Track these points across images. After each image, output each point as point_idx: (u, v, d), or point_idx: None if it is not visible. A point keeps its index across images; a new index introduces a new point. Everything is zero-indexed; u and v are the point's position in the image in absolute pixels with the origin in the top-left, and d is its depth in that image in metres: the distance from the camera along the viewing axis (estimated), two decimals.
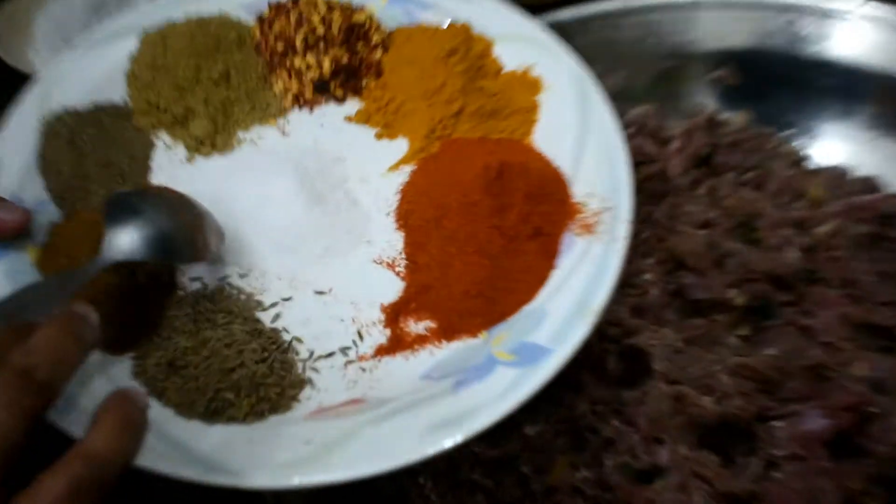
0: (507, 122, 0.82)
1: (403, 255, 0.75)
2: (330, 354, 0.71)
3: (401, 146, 0.82)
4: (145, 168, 0.82)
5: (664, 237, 0.86)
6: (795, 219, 0.88)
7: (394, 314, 0.72)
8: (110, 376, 0.66)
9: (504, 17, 0.88)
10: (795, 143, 0.99)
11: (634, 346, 0.77)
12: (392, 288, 0.74)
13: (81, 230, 0.74)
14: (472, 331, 0.69)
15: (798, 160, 0.98)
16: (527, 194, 0.73)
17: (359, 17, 0.87)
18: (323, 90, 0.86)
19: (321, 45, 0.85)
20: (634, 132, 0.97)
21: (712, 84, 1.03)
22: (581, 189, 0.75)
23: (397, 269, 0.75)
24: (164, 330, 0.70)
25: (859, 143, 0.99)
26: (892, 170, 0.95)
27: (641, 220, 0.85)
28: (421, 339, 0.71)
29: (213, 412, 0.66)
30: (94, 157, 0.80)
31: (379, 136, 0.84)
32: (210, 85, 0.84)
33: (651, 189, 0.92)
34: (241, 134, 0.84)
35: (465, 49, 0.85)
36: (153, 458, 0.60)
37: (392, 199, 0.79)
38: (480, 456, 0.76)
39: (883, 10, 0.98)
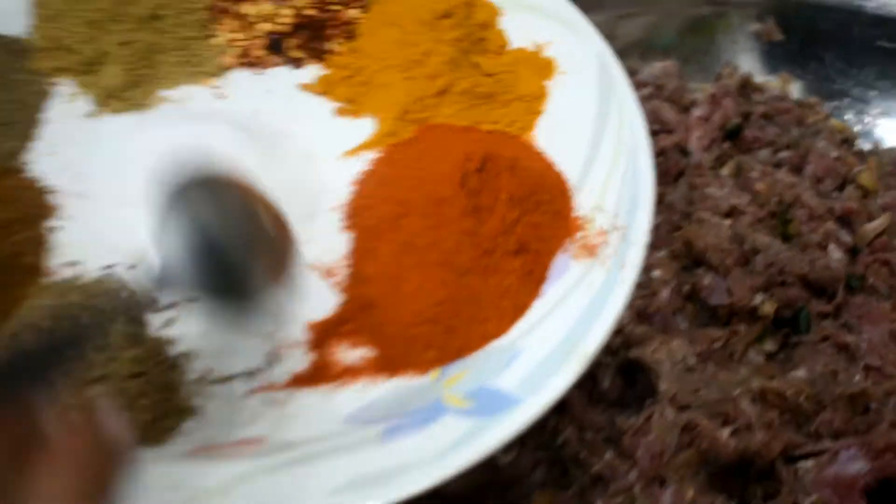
0: (505, 111, 0.76)
1: (347, 262, 0.69)
2: (229, 378, 0.64)
3: (365, 127, 0.77)
4: (33, 120, 0.76)
5: (679, 225, 0.84)
6: (840, 211, 0.87)
7: (322, 335, 0.65)
8: None
9: None
10: (845, 118, 0.97)
11: (636, 361, 0.75)
12: (325, 302, 0.67)
13: None
14: (421, 366, 0.63)
15: (847, 139, 0.96)
16: (514, 197, 0.67)
17: None
18: (276, 50, 0.80)
19: None
20: (650, 94, 0.96)
21: (750, 39, 1.01)
22: (586, 201, 0.70)
23: (335, 278, 0.68)
24: (12, 322, 0.63)
25: None
26: None
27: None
28: (352, 372, 0.64)
29: None
30: None
31: (340, 112, 0.78)
32: (133, 25, 0.78)
33: (666, 165, 0.90)
34: (163, 91, 0.78)
35: (464, 14, 0.79)
36: None
37: (343, 191, 0.73)
38: (439, 489, 0.70)
39: None
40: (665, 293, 0.79)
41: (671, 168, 0.91)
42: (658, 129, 0.93)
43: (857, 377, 0.75)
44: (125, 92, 0.77)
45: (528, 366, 0.60)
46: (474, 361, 0.62)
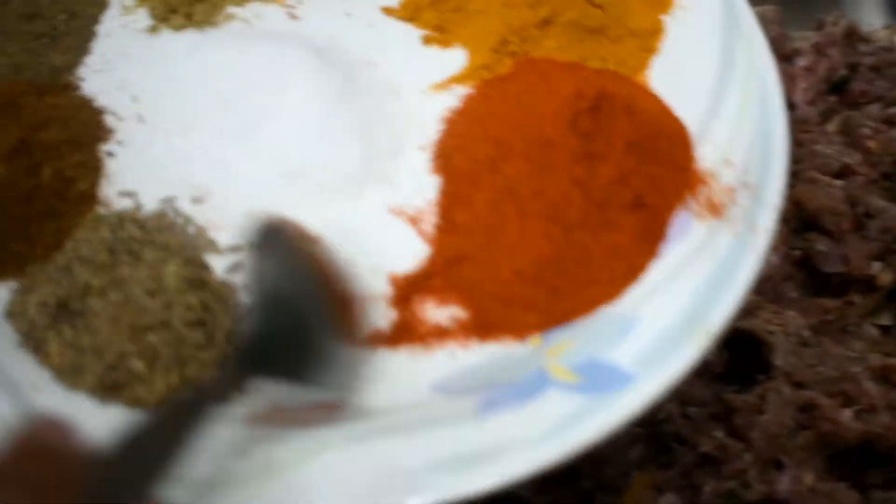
0: (616, 48, 0.70)
1: (435, 209, 0.63)
2: None
3: (456, 58, 0.71)
4: (88, 33, 0.71)
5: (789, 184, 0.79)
6: None
7: (406, 290, 0.60)
8: None
9: None
10: None
11: (747, 332, 0.72)
12: (411, 253, 0.62)
13: None
14: (521, 331, 0.57)
15: None
16: (631, 143, 0.60)
17: None
18: None
19: None
20: None
21: None
22: (711, 153, 0.63)
23: (423, 226, 0.63)
24: (65, 255, 0.58)
25: None
26: None
27: None
28: (440, 333, 0.58)
29: (111, 387, 0.54)
30: (16, 3, 0.70)
31: (427, 41, 0.72)
32: None
33: None
34: (231, 8, 0.73)
35: None
36: None
37: (432, 129, 0.67)
38: None
39: None
40: (775, 259, 0.76)
41: None
42: None
43: None
44: (188, 6, 0.72)
45: (645, 339, 0.55)
46: (582, 329, 0.57)
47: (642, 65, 0.69)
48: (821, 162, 0.84)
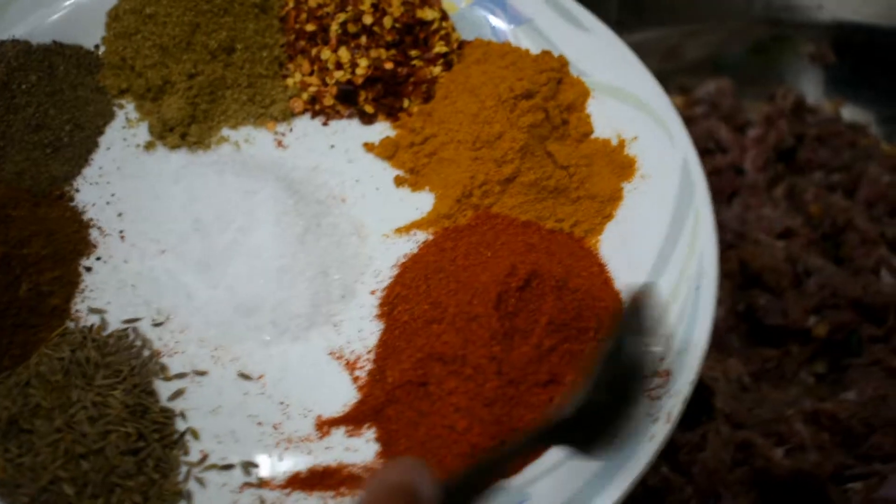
0: (574, 209, 0.72)
1: (372, 357, 0.67)
2: (227, 467, 0.62)
3: (423, 202, 0.74)
4: (91, 144, 0.76)
5: (733, 244, 0.89)
6: (893, 237, 0.93)
7: (328, 430, 0.64)
8: None
9: (616, 61, 0.77)
10: None
11: None
12: (341, 396, 0.65)
13: None
14: None
15: None
16: (554, 322, 0.63)
17: (426, 14, 0.77)
18: (349, 100, 0.77)
19: (363, 38, 0.76)
20: (706, 112, 1.03)
21: (807, 62, 1.07)
22: None
23: (357, 372, 0.66)
24: (26, 370, 0.63)
25: None
26: None
27: None
28: (353, 483, 0.61)
29: None
30: (27, 113, 0.73)
31: (399, 182, 0.75)
32: (204, 55, 0.76)
33: (720, 184, 0.98)
34: (225, 130, 0.77)
35: (550, 92, 0.75)
36: None
37: (386, 273, 0.71)
38: None
39: None
40: (720, 312, 0.80)
41: (725, 187, 1.00)
42: (713, 147, 1.01)
43: None
44: (184, 127, 0.76)
45: None
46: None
47: (597, 229, 0.71)
48: (766, 224, 0.92)
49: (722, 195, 0.97)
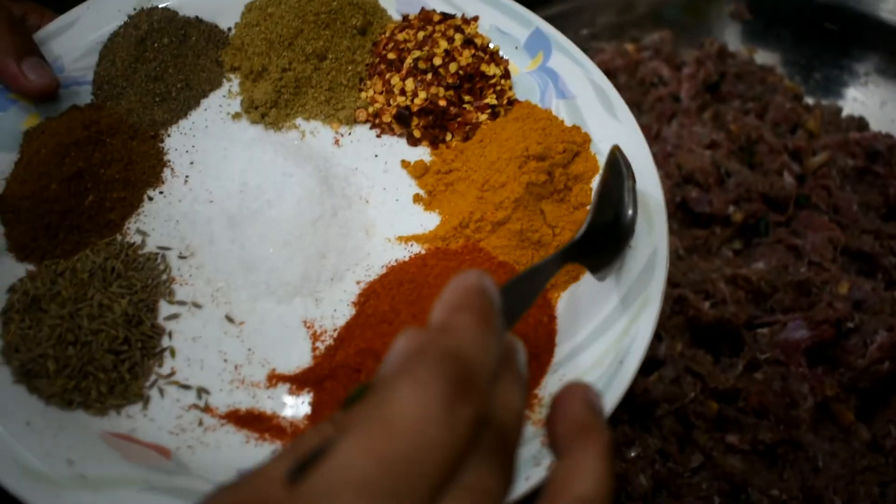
0: None
1: (334, 334, 0.73)
2: (186, 387, 0.70)
3: (429, 221, 0.81)
4: (193, 103, 0.86)
5: (673, 153, 1.09)
6: (792, 147, 1.17)
7: (275, 385, 0.71)
8: None
9: (631, 153, 0.78)
10: (795, 79, 1.32)
11: None
12: (297, 359, 0.72)
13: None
14: None
15: (797, 95, 1.29)
16: None
17: (489, 69, 0.85)
18: (403, 122, 0.85)
19: (429, 75, 0.84)
20: (651, 55, 1.30)
21: (728, 18, 1.37)
22: (552, 383, 0.70)
23: (317, 343, 0.73)
24: (69, 261, 0.72)
25: (856, 87, 1.30)
26: (884, 115, 1.26)
27: (654, 136, 1.17)
28: (280, 435, 0.67)
29: (24, 373, 0.67)
30: (150, 66, 0.83)
31: (416, 199, 0.82)
32: (300, 55, 0.85)
33: (662, 109, 1.23)
34: (299, 119, 0.85)
35: (564, 161, 0.80)
36: None
37: (375, 270, 0.77)
38: None
39: None
40: (670, 208, 0.99)
41: (666, 111, 1.23)
42: (657, 82, 1.27)
43: (802, 269, 1.04)
44: (266, 108, 0.85)
45: None
46: None
47: (561, 286, 0.77)
48: (697, 138, 1.11)
49: (664, 117, 1.22)
